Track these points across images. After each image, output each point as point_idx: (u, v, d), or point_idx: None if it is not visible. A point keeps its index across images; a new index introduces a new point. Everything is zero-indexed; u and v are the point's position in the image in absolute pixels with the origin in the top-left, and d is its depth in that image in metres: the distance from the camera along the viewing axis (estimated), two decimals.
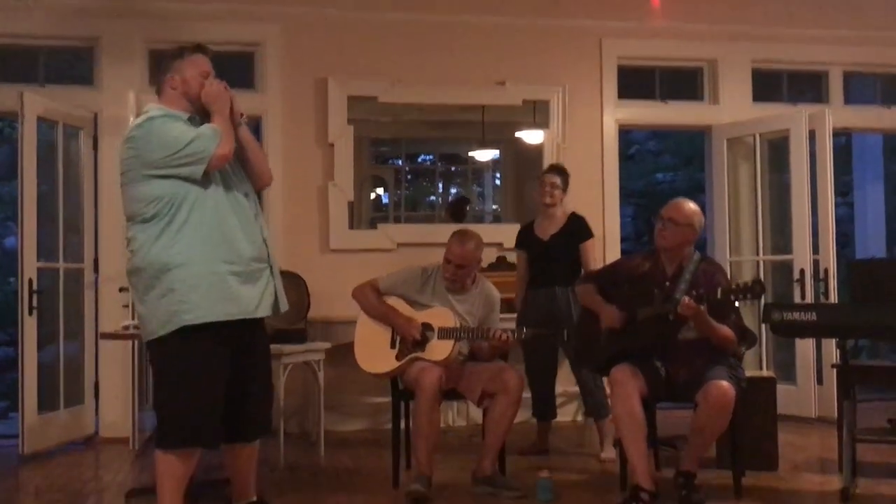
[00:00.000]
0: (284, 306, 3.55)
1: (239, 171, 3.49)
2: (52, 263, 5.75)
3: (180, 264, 3.23)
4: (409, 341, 4.38)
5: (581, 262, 5.29)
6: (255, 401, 3.46)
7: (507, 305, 5.49)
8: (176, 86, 3.41)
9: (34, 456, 5.37)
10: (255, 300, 3.36)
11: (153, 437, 5.82)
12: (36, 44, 6.20)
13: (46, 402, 5.63)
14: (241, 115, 3.48)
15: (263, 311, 3.41)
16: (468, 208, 8.03)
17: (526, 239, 5.51)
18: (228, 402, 3.36)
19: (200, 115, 3.41)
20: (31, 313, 5.45)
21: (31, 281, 5.45)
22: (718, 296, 3.94)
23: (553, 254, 5.32)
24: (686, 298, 3.93)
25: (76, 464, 5.30)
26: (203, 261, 3.25)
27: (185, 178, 3.26)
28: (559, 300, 5.22)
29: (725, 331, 4.06)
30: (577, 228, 5.38)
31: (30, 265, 5.47)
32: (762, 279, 4.64)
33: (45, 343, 5.74)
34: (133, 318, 5.33)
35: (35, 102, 5.55)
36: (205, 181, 3.30)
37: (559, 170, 5.54)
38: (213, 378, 3.28)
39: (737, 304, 4.07)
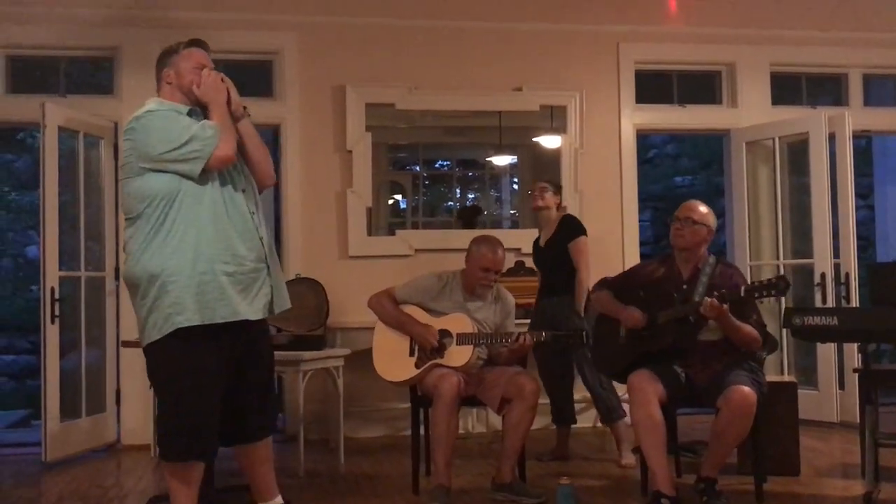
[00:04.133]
0: (285, 305, 3.42)
1: (240, 165, 3.37)
2: (74, 272, 5.79)
3: (174, 265, 3.15)
4: (428, 349, 4.39)
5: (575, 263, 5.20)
6: (255, 400, 3.36)
7: (522, 311, 5.49)
8: (171, 80, 3.33)
9: (56, 463, 5.41)
10: (247, 302, 3.26)
11: None
12: (57, 54, 6.27)
13: (68, 409, 5.67)
14: (244, 108, 3.37)
15: (256, 314, 3.29)
16: (479, 217, 8.00)
17: (534, 249, 5.57)
18: (227, 404, 3.26)
19: (202, 109, 3.32)
20: (53, 321, 5.49)
21: (52, 289, 5.50)
22: (742, 294, 3.92)
23: (550, 259, 5.32)
24: (709, 299, 3.91)
25: (98, 471, 5.34)
26: (196, 261, 3.16)
27: (182, 175, 3.18)
28: (558, 310, 5.19)
29: (749, 329, 4.05)
30: (568, 228, 5.32)
31: (52, 273, 5.52)
32: (785, 275, 4.60)
33: (66, 351, 5.78)
34: None
35: (56, 112, 5.60)
36: (201, 178, 3.20)
37: (547, 180, 5.52)
38: (207, 385, 3.18)
39: (761, 301, 4.05)
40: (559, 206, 5.45)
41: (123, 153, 3.27)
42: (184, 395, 3.18)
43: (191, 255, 3.16)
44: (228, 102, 3.30)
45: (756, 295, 3.94)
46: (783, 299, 6.47)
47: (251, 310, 3.27)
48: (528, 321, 5.45)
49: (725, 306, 3.93)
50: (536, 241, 5.54)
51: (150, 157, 3.18)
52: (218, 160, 3.20)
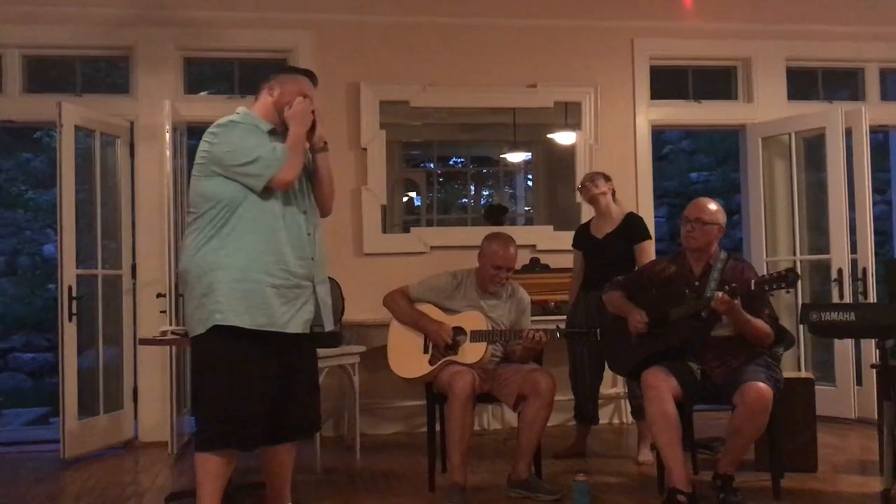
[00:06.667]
0: (328, 325, 3.58)
1: (307, 189, 3.55)
2: (91, 270, 5.82)
3: (225, 267, 3.30)
4: (441, 346, 4.40)
5: (636, 265, 5.09)
6: (298, 402, 3.48)
7: (539, 308, 5.48)
8: (273, 94, 3.50)
9: (75, 460, 5.45)
10: (287, 316, 3.38)
11: (192, 441, 5.88)
12: (72, 54, 6.30)
13: (86, 407, 5.70)
14: (325, 143, 3.56)
15: (295, 328, 3.42)
16: (505, 217, 7.95)
17: (581, 237, 5.43)
18: (274, 406, 3.39)
19: (283, 130, 3.48)
20: (70, 319, 5.52)
21: (70, 287, 5.53)
22: (752, 287, 3.92)
23: (607, 253, 5.19)
24: (720, 293, 3.91)
25: (116, 468, 5.37)
26: (246, 268, 3.31)
27: (247, 187, 3.35)
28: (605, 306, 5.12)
29: (761, 324, 4.04)
30: (633, 228, 5.24)
31: (69, 272, 5.55)
32: (796, 268, 4.59)
33: (84, 349, 5.81)
34: (171, 324, 5.40)
35: (72, 112, 5.63)
36: (265, 193, 3.37)
37: (596, 172, 5.53)
38: (247, 380, 3.30)
39: (772, 294, 4.03)
40: (614, 194, 5.38)
41: (199, 152, 3.42)
42: (222, 387, 3.31)
43: (243, 262, 3.32)
44: (311, 133, 3.50)
45: (766, 288, 3.93)
46: (800, 295, 6.46)
47: (291, 323, 3.40)
48: (545, 318, 5.43)
49: (737, 301, 3.92)
50: (586, 229, 5.42)
51: (221, 164, 3.36)
52: (279, 183, 3.36)
